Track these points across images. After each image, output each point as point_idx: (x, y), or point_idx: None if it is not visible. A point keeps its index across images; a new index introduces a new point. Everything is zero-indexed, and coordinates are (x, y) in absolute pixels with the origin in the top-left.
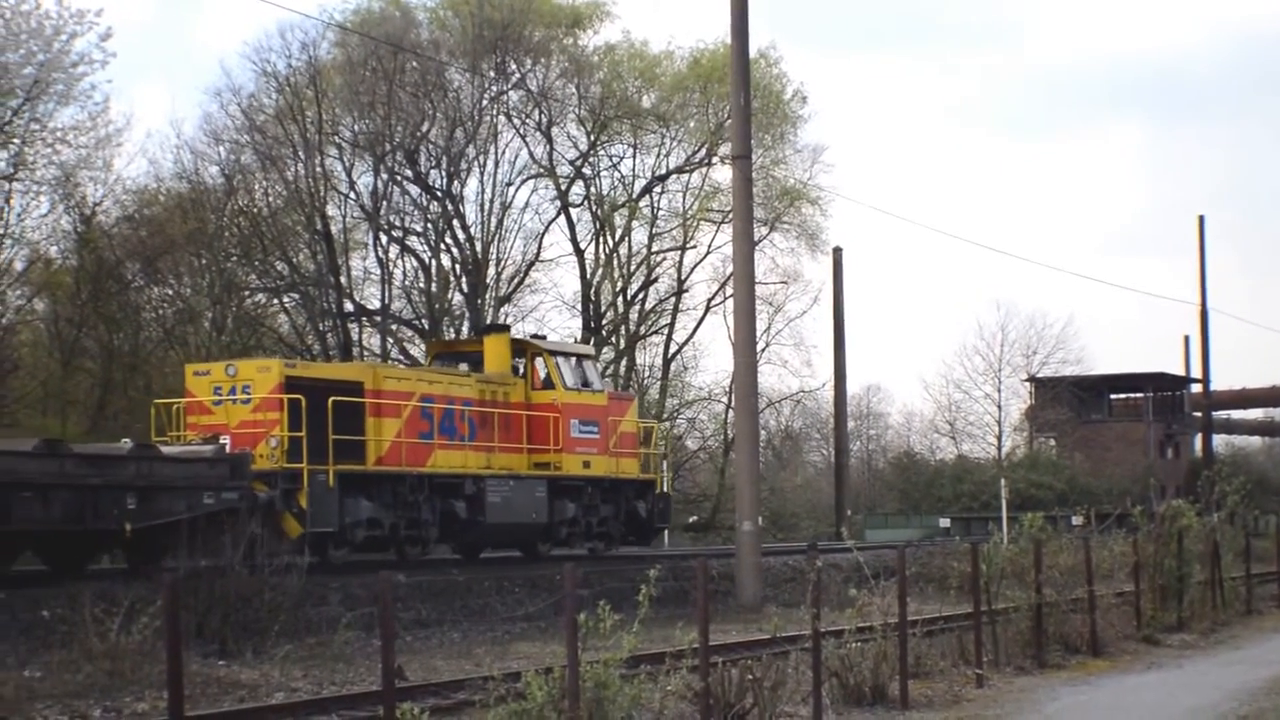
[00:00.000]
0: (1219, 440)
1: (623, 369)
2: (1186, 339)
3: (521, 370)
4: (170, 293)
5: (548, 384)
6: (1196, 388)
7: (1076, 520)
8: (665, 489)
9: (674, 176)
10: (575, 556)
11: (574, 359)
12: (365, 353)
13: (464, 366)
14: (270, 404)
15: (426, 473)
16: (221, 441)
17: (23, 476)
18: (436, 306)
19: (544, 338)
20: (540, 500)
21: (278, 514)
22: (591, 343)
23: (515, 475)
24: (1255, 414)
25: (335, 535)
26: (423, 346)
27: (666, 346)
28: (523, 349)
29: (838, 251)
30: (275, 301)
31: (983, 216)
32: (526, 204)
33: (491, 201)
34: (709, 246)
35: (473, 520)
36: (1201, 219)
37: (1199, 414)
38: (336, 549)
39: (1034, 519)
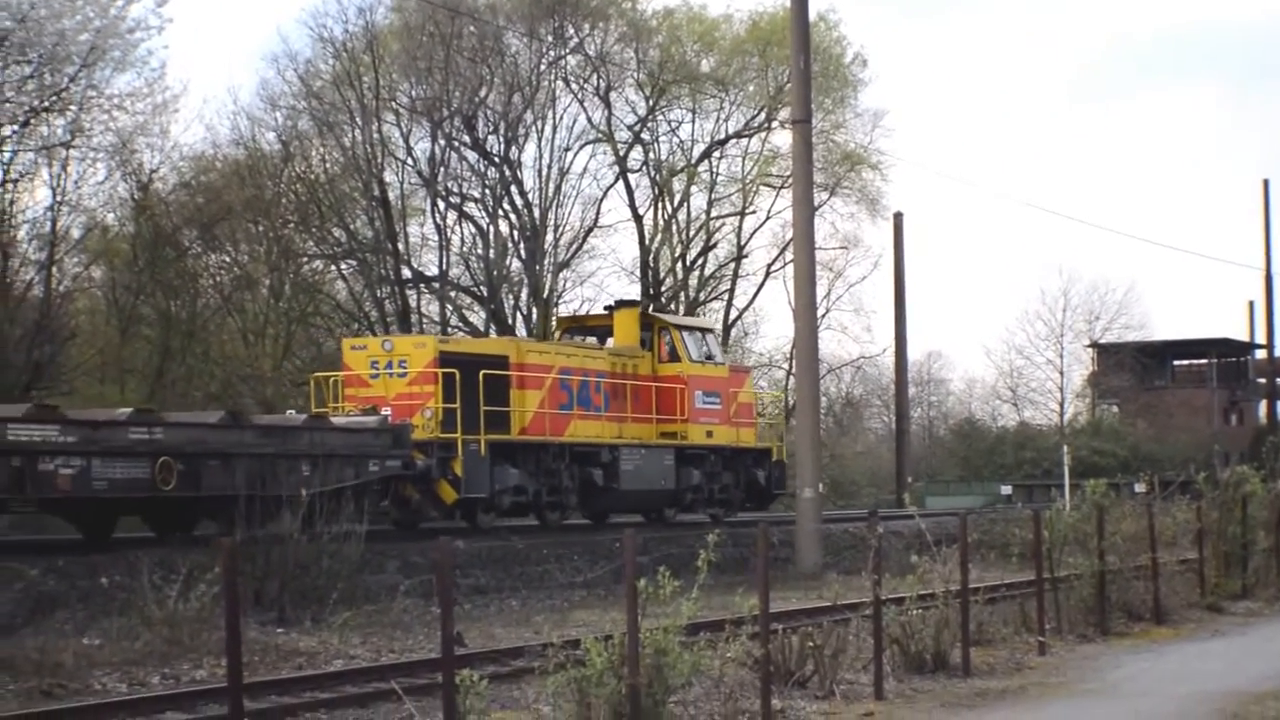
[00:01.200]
0: None
1: None
2: (1251, 304)
3: (648, 344)
4: (227, 259)
5: (673, 357)
6: (1261, 353)
7: (1139, 487)
8: (781, 457)
9: (733, 141)
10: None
11: (697, 333)
12: (423, 320)
13: (591, 340)
14: (426, 378)
15: (566, 442)
16: (384, 413)
17: (210, 446)
18: (494, 273)
19: (666, 312)
20: (668, 468)
21: (434, 481)
22: (650, 308)
23: (646, 444)
24: None
25: (484, 501)
26: (482, 313)
27: (726, 312)
28: (650, 323)
29: (898, 216)
30: (332, 268)
31: (1046, 181)
32: (585, 169)
33: (549, 167)
34: (768, 212)
35: (608, 487)
36: (1266, 183)
37: (1263, 380)
38: (485, 514)
39: (1097, 485)
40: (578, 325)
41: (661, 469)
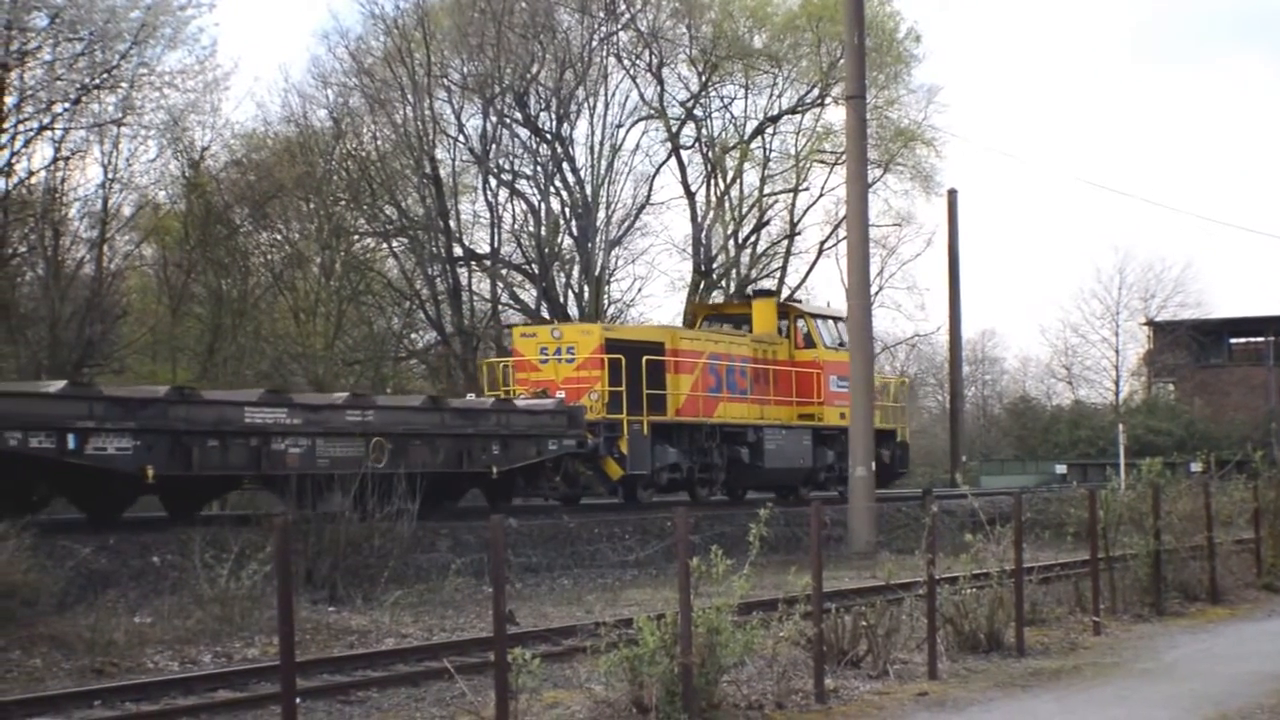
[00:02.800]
0: None
1: None
2: None
3: (785, 331)
4: (279, 237)
5: (809, 343)
6: None
7: (1195, 466)
8: (904, 438)
9: (786, 118)
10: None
11: (830, 320)
12: (475, 298)
13: (727, 327)
14: (592, 363)
15: (716, 423)
16: (559, 395)
17: (414, 427)
18: (546, 250)
19: (800, 301)
20: (806, 448)
21: (601, 458)
22: (702, 286)
23: (786, 425)
24: None
25: (645, 478)
26: (533, 291)
27: (779, 290)
28: (786, 311)
29: (952, 194)
30: (384, 246)
31: (1102, 157)
32: (637, 146)
33: (601, 144)
34: (821, 189)
35: (754, 465)
36: None
37: None
38: (644, 490)
39: (1152, 464)
40: (717, 313)
41: (800, 449)
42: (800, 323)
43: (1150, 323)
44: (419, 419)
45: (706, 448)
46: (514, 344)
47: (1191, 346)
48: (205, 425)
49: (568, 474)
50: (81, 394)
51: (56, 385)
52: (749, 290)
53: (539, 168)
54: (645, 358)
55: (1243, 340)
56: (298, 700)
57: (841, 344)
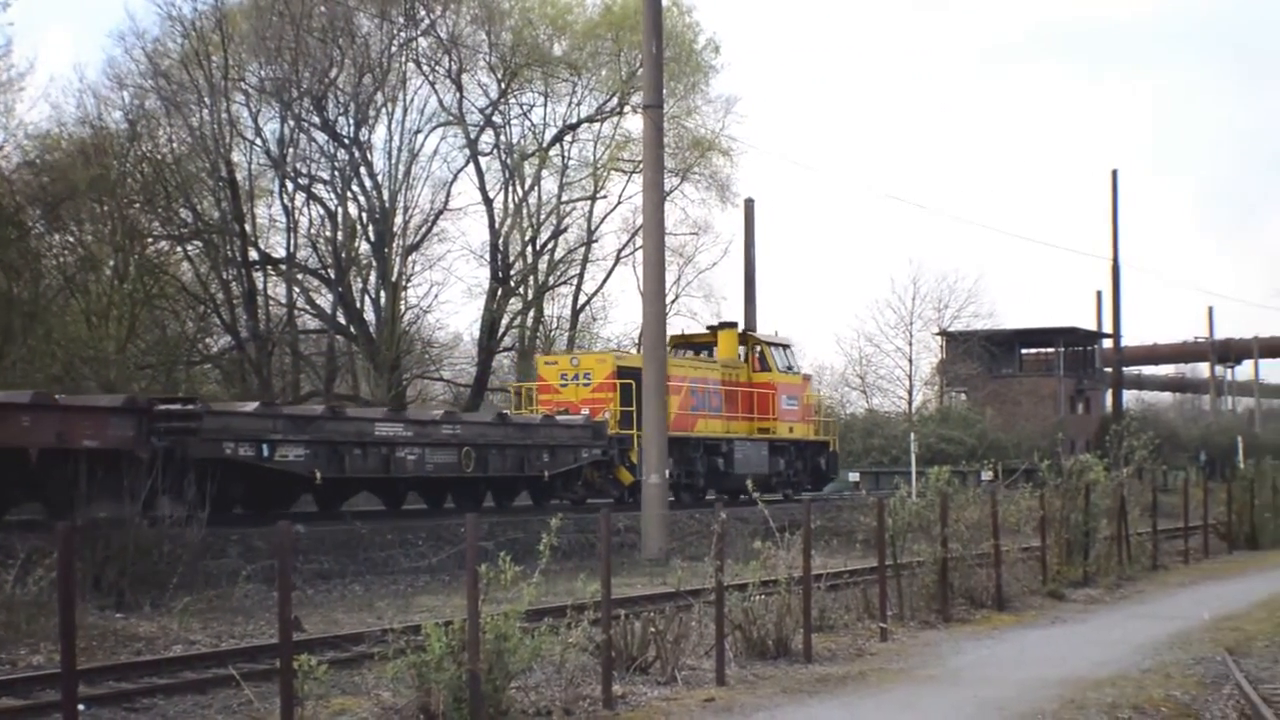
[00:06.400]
0: (1129, 396)
1: (530, 320)
2: (1099, 294)
3: (744, 356)
4: (72, 240)
5: (764, 367)
6: (1108, 343)
7: (986, 475)
8: (835, 448)
9: (585, 125)
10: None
11: (781, 348)
12: (271, 302)
13: (690, 354)
14: (607, 386)
15: (698, 436)
16: (584, 413)
17: (490, 439)
18: (343, 255)
19: (753, 330)
20: (765, 457)
21: (614, 467)
22: (499, 293)
23: (750, 438)
24: (1166, 370)
25: None
26: (329, 296)
27: (575, 297)
28: (745, 339)
29: (749, 203)
30: (179, 249)
31: (900, 170)
32: (435, 152)
33: (400, 149)
34: (619, 197)
35: (727, 472)
36: (1115, 173)
37: (1110, 369)
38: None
39: (940, 472)
40: (685, 342)
41: (761, 458)
42: (757, 349)
43: (943, 333)
44: (493, 432)
45: (692, 457)
46: (538, 370)
47: (983, 357)
48: (350, 437)
49: (586, 480)
50: (270, 412)
51: (251, 406)
52: (715, 322)
53: (336, 172)
54: None
55: (1033, 351)
56: (81, 707)
57: (790, 368)
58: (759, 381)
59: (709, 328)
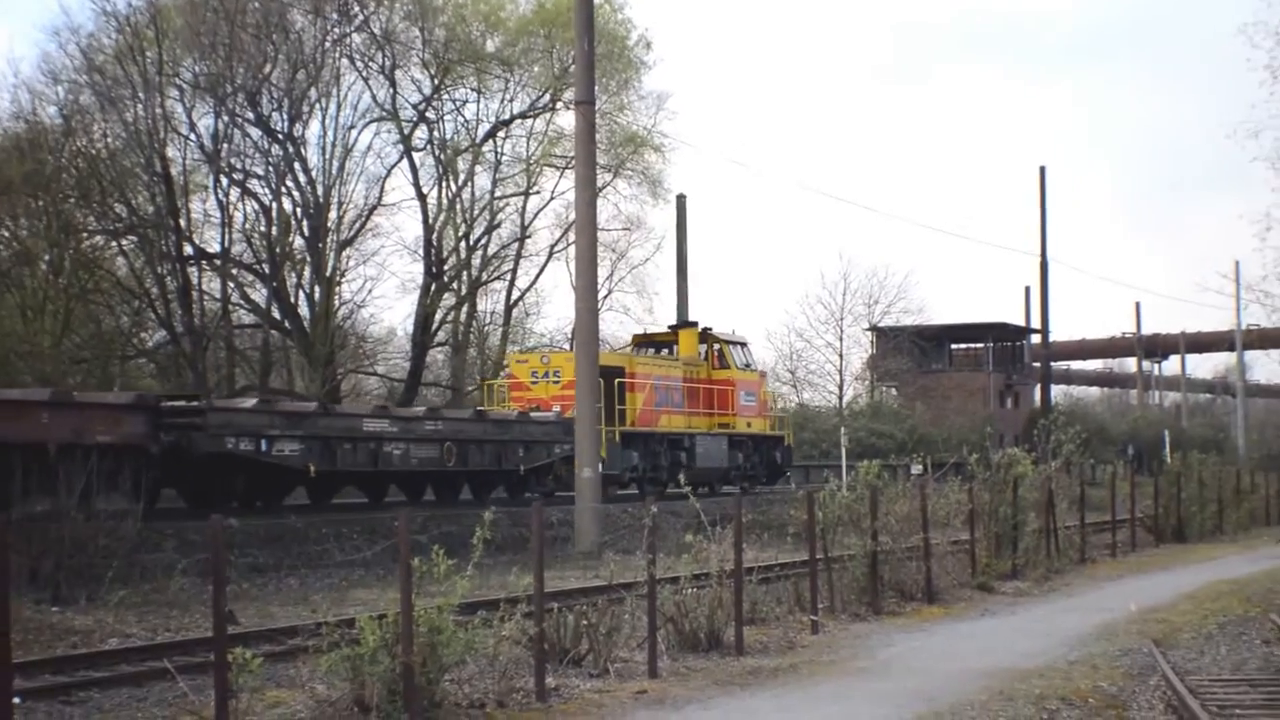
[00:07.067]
0: (1058, 390)
1: (464, 315)
2: (1028, 290)
3: (704, 355)
4: (6, 234)
5: (723, 364)
6: (1037, 338)
7: (916, 469)
8: (790, 442)
9: (518, 122)
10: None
11: (738, 346)
12: (206, 297)
13: (650, 351)
14: (574, 384)
15: (662, 432)
16: (556, 409)
17: (469, 434)
18: (277, 250)
19: (709, 327)
20: (725, 451)
21: None
22: (433, 288)
23: (710, 433)
24: (1094, 365)
25: (616, 476)
26: (264, 291)
27: (509, 293)
28: (705, 338)
29: (681, 199)
30: (114, 244)
31: (833, 168)
32: (369, 148)
33: (334, 145)
34: (552, 192)
35: (689, 465)
36: (1043, 170)
37: (1038, 364)
38: (616, 487)
39: (870, 467)
40: (647, 340)
41: (721, 452)
42: (716, 347)
43: (874, 328)
44: (472, 428)
45: (657, 451)
46: (510, 367)
47: (913, 352)
48: (341, 432)
49: (555, 474)
50: (268, 409)
51: (250, 402)
52: (676, 321)
53: (271, 168)
54: (615, 380)
55: (963, 346)
56: (17, 700)
57: (747, 365)
58: (718, 378)
59: (670, 327)
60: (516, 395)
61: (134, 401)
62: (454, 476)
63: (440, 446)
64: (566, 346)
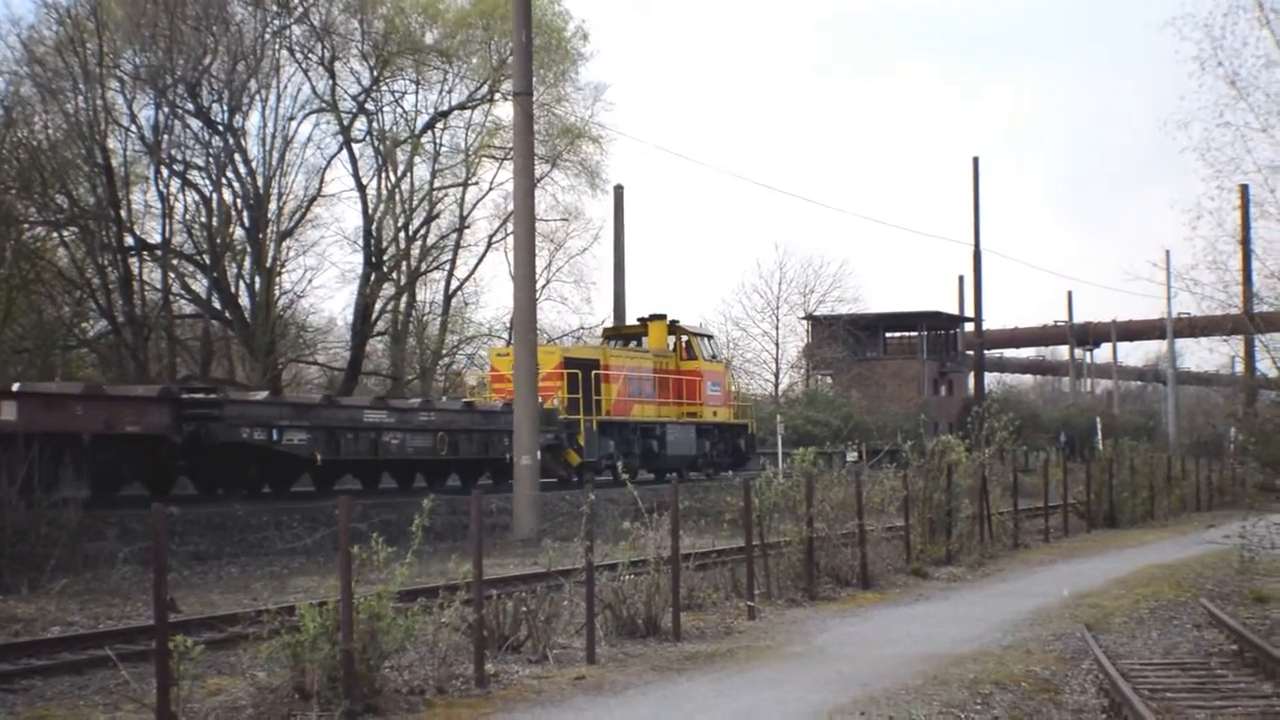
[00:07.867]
0: (991, 378)
1: (403, 304)
2: (961, 279)
3: (674, 346)
4: None
5: (690, 355)
6: (970, 326)
7: (851, 456)
8: (753, 430)
9: (457, 113)
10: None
11: (705, 338)
12: (147, 288)
13: (617, 344)
14: (554, 376)
15: (635, 421)
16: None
17: (459, 424)
18: (218, 241)
19: (676, 320)
20: (693, 439)
21: (564, 450)
22: (373, 278)
23: (679, 422)
24: (1027, 353)
25: (593, 464)
26: (204, 282)
27: (448, 283)
28: (674, 330)
29: (618, 189)
30: (55, 235)
31: (770, 159)
32: (309, 139)
33: (274, 136)
34: (491, 183)
35: (660, 453)
36: (976, 160)
37: (972, 352)
38: (594, 474)
39: (806, 454)
40: (617, 333)
41: (689, 440)
42: (684, 339)
43: (809, 317)
44: (461, 419)
45: (630, 440)
46: (491, 361)
47: (848, 340)
48: (344, 422)
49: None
50: (278, 400)
51: (262, 394)
52: (647, 315)
53: (211, 159)
54: (592, 371)
55: (897, 335)
56: None
57: (713, 356)
58: (686, 369)
59: (640, 319)
60: (498, 388)
61: (159, 394)
62: (444, 465)
63: (434, 436)
64: (507, 337)
